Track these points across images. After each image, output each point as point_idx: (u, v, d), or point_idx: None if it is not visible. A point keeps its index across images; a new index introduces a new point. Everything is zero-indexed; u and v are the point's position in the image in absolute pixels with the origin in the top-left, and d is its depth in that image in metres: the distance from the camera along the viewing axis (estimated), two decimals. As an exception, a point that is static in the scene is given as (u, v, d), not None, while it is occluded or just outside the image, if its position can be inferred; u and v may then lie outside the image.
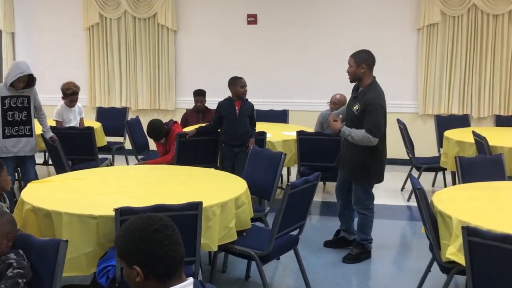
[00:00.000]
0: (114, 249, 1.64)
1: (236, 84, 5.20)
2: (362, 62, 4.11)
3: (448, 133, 5.96)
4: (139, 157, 6.14)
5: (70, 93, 6.12)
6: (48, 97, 7.41)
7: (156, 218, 1.60)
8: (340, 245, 4.54)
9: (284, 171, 6.51)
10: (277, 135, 5.93)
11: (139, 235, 1.56)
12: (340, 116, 4.37)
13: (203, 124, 5.67)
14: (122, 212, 2.84)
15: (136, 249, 1.55)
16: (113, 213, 2.89)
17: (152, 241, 1.55)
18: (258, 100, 7.87)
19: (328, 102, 6.10)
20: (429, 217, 3.21)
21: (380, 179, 4.27)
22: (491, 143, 5.00)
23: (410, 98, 7.71)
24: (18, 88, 4.81)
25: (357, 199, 4.31)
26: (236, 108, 5.21)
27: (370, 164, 4.16)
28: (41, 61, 8.43)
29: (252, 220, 3.73)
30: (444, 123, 6.69)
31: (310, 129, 6.08)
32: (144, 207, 2.86)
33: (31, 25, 8.64)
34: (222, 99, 5.31)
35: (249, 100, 5.30)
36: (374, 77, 4.19)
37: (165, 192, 3.62)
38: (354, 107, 4.17)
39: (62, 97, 6.20)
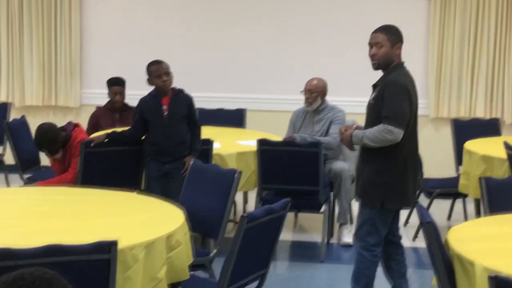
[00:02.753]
0: None
1: (151, 73, 5.18)
2: (399, 40, 4.23)
3: (470, 145, 6.07)
4: (26, 176, 6.07)
5: None
6: None
7: (42, 281, 1.55)
8: None
9: (239, 197, 6.50)
10: (229, 144, 5.94)
11: None
12: (355, 125, 4.44)
13: (120, 129, 5.63)
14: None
15: None
16: (-16, 258, 2.82)
17: None
18: (202, 95, 7.87)
19: (302, 91, 6.15)
20: (442, 264, 3.25)
21: (403, 201, 4.30)
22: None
23: (419, 95, 7.82)
24: None
25: (358, 227, 4.37)
26: (164, 106, 5.19)
27: (387, 179, 4.21)
28: None
29: (191, 267, 3.70)
30: (465, 130, 6.82)
31: (277, 136, 6.11)
32: (31, 248, 2.81)
33: None
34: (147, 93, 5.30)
35: (184, 92, 5.29)
36: (403, 62, 4.30)
37: (62, 226, 3.57)
38: (371, 98, 4.27)
39: None
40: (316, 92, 6.07)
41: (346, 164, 6.00)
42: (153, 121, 5.20)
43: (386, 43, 4.19)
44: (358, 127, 4.38)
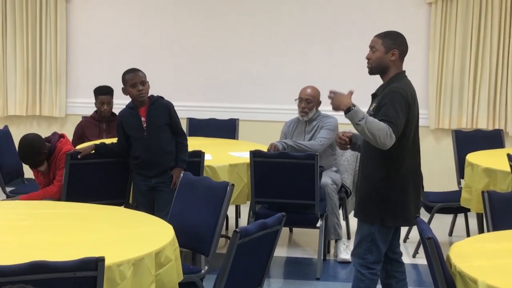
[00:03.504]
0: None
1: (126, 81, 5.15)
2: (395, 46, 4.24)
3: (472, 157, 6.09)
4: (8, 189, 6.07)
5: None
6: None
7: None
8: None
9: (231, 211, 6.50)
10: (221, 156, 5.94)
11: None
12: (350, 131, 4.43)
13: (107, 141, 5.62)
14: (-20, 273, 2.77)
15: None
16: (-36, 275, 2.81)
17: None
18: (193, 104, 7.91)
19: (296, 99, 6.16)
20: (444, 281, 3.25)
21: (404, 218, 4.28)
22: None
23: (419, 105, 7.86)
24: None
25: (356, 244, 4.34)
26: (142, 118, 5.16)
27: (386, 195, 4.20)
28: None
29: (181, 285, 3.70)
30: (467, 142, 6.82)
31: (271, 148, 6.12)
32: (14, 265, 2.80)
33: None
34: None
35: (163, 99, 5.24)
36: (404, 71, 4.32)
37: (46, 242, 3.57)
38: (371, 108, 4.27)
39: None
40: (312, 102, 6.09)
41: (329, 179, 5.91)
42: (133, 134, 5.19)
43: (380, 47, 4.24)
44: (354, 135, 4.37)
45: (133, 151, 5.23)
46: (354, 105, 4.05)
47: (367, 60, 4.31)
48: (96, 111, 6.74)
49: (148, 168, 5.17)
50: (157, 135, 5.15)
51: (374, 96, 4.31)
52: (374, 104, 4.26)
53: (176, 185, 4.99)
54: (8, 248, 3.43)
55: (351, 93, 4.18)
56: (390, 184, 4.21)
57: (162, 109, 5.18)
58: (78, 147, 5.75)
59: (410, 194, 4.27)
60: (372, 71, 4.31)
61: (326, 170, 5.98)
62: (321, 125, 6.11)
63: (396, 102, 4.11)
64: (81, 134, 6.64)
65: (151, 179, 5.17)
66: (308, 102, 6.08)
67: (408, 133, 4.19)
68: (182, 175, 4.53)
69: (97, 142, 5.60)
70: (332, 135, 5.94)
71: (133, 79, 5.10)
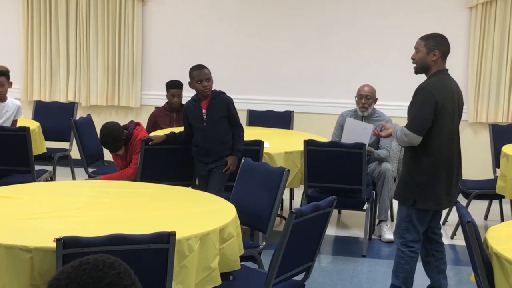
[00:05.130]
0: None
1: (193, 77, 5.13)
2: (436, 47, 4.22)
3: (507, 149, 5.98)
4: (90, 170, 6.14)
5: None
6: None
7: (105, 265, 1.56)
8: None
9: (285, 194, 6.50)
10: (278, 144, 5.93)
11: None
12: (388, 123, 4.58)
13: (176, 129, 5.66)
14: (66, 244, 2.82)
15: None
16: (53, 245, 2.87)
17: None
18: (253, 97, 7.91)
19: (355, 97, 6.14)
20: (481, 261, 3.21)
21: (434, 202, 4.25)
22: None
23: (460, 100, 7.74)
24: None
25: (397, 224, 4.38)
26: (203, 110, 5.16)
27: (418, 180, 4.20)
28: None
29: (242, 258, 3.71)
30: (503, 134, 6.71)
31: (322, 138, 6.09)
32: (96, 237, 2.85)
33: None
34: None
35: (224, 94, 5.21)
36: (446, 69, 4.29)
37: (124, 217, 3.61)
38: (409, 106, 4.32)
39: None
40: (372, 98, 6.08)
41: (390, 165, 5.96)
42: (195, 124, 5.20)
43: (423, 49, 4.23)
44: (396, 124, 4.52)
45: (194, 140, 5.25)
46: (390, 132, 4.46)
47: (412, 60, 4.30)
48: (167, 103, 6.79)
49: (205, 155, 5.18)
50: (215, 127, 5.13)
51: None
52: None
53: (230, 170, 5.02)
54: (91, 222, 3.49)
55: (388, 126, 4.59)
56: (422, 170, 4.22)
57: (222, 103, 5.15)
58: (151, 134, 5.80)
59: (441, 180, 4.25)
60: (417, 70, 4.31)
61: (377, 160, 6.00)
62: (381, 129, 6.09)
63: (418, 99, 4.17)
64: (154, 122, 6.71)
65: (208, 164, 5.18)
66: (368, 98, 6.06)
67: (439, 126, 4.17)
68: (243, 161, 4.53)
69: (168, 131, 5.64)
70: (392, 139, 5.99)
71: (200, 76, 5.09)
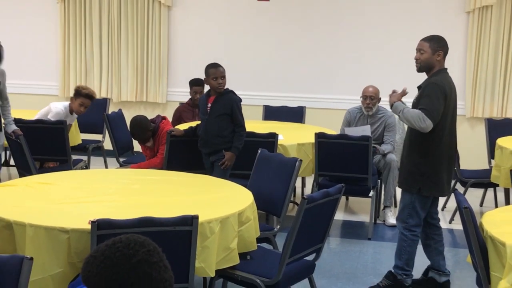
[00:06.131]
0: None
1: (209, 74, 5.03)
2: (440, 48, 4.19)
3: (501, 141, 5.94)
4: (121, 159, 6.17)
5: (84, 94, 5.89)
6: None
7: (136, 244, 1.58)
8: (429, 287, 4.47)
9: (298, 183, 6.50)
10: (291, 137, 5.93)
11: (120, 271, 1.53)
12: (405, 88, 4.35)
13: (195, 123, 5.67)
14: (100, 225, 2.84)
15: None
16: (88, 226, 2.90)
17: (139, 276, 1.53)
18: (268, 94, 7.91)
19: (360, 98, 6.13)
20: (477, 243, 3.19)
21: (438, 190, 4.23)
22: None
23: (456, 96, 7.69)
24: None
25: (400, 210, 4.35)
26: (208, 104, 5.08)
27: (423, 169, 4.18)
28: (1, 38, 8.43)
29: (258, 240, 3.72)
30: (497, 128, 6.67)
31: (331, 131, 6.08)
32: (127, 220, 2.87)
33: (-7, -5, 8.69)
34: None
35: (233, 93, 5.10)
36: (446, 68, 4.26)
37: (151, 202, 3.62)
38: (415, 98, 4.24)
39: (72, 96, 6.00)
40: (376, 99, 6.07)
41: (394, 156, 5.95)
42: (201, 116, 5.17)
43: (428, 50, 4.19)
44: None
45: (198, 131, 5.23)
46: (395, 102, 4.23)
47: (415, 60, 4.25)
48: (190, 99, 6.81)
49: (204, 146, 5.12)
50: (215, 121, 5.03)
51: (419, 88, 4.26)
52: (418, 94, 4.23)
53: (226, 165, 4.97)
54: (122, 207, 3.50)
55: (403, 91, 4.30)
56: (427, 161, 4.19)
57: (227, 101, 5.03)
58: (176, 127, 5.81)
59: (444, 170, 4.23)
60: (420, 69, 4.27)
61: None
62: (385, 125, 6.11)
63: (432, 92, 4.09)
64: (178, 117, 6.72)
65: (210, 156, 5.11)
66: (372, 98, 6.05)
67: (444, 120, 4.14)
68: (260, 151, 4.50)
69: (186, 126, 5.63)
70: (395, 133, 6.01)
71: (216, 73, 5.00)
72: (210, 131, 5.05)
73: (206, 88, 6.69)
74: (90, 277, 1.57)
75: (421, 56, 4.21)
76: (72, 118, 6.20)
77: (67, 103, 6.06)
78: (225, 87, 5.07)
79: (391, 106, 4.28)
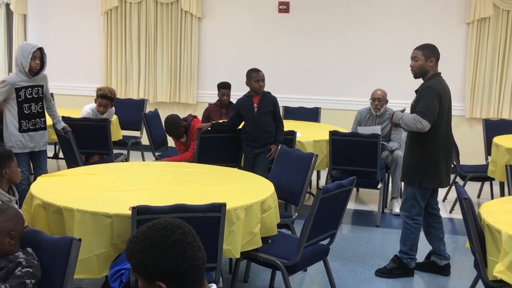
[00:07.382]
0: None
1: (251, 78, 5.18)
2: (432, 55, 4.16)
3: (497, 140, 5.87)
4: (157, 153, 6.20)
5: (100, 95, 5.92)
6: (55, 85, 7.53)
7: (173, 226, 1.59)
8: (431, 270, 4.44)
9: (314, 175, 6.49)
10: (308, 134, 5.91)
11: (159, 250, 1.55)
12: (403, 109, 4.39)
13: (221, 121, 5.68)
14: (139, 211, 2.86)
15: (157, 265, 1.54)
16: (129, 212, 2.92)
17: (175, 254, 1.55)
18: (288, 96, 7.89)
19: (370, 100, 6.09)
20: (475, 231, 3.17)
21: (437, 182, 4.20)
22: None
23: (457, 99, 7.62)
24: (35, 68, 4.81)
25: (403, 201, 4.32)
26: (254, 105, 5.19)
27: (423, 164, 4.14)
28: (53, 47, 8.54)
29: (278, 226, 3.72)
30: (493, 128, 6.59)
31: (344, 129, 6.05)
32: (163, 206, 2.89)
33: (44, 7, 8.77)
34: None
35: (271, 94, 5.26)
36: (439, 72, 4.22)
37: (184, 191, 3.64)
38: (413, 100, 4.21)
39: (95, 98, 6.04)
40: (383, 100, 6.03)
41: (401, 152, 5.91)
42: (246, 115, 5.21)
43: (421, 57, 4.15)
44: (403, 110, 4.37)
45: (244, 128, 5.26)
46: (393, 115, 4.24)
47: (411, 68, 4.22)
48: (218, 100, 6.81)
49: (253, 141, 5.19)
50: (263, 118, 5.16)
51: (416, 91, 4.23)
52: (415, 97, 4.22)
53: (272, 156, 5.02)
54: (158, 195, 3.51)
55: (403, 109, 4.34)
56: (426, 156, 4.16)
57: (270, 101, 5.21)
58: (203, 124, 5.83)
59: (442, 164, 4.19)
60: (416, 76, 4.23)
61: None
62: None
63: (427, 94, 4.07)
64: (207, 116, 6.73)
65: (255, 149, 5.19)
66: (380, 100, 6.02)
67: (440, 118, 4.11)
68: (279, 147, 4.53)
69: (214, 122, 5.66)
70: (401, 132, 5.97)
71: (257, 77, 5.15)
72: (260, 128, 5.16)
73: (232, 91, 6.75)
74: (133, 255, 1.59)
75: (416, 64, 4.17)
76: (109, 115, 6.19)
77: (95, 105, 6.09)
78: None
79: (391, 118, 4.28)
